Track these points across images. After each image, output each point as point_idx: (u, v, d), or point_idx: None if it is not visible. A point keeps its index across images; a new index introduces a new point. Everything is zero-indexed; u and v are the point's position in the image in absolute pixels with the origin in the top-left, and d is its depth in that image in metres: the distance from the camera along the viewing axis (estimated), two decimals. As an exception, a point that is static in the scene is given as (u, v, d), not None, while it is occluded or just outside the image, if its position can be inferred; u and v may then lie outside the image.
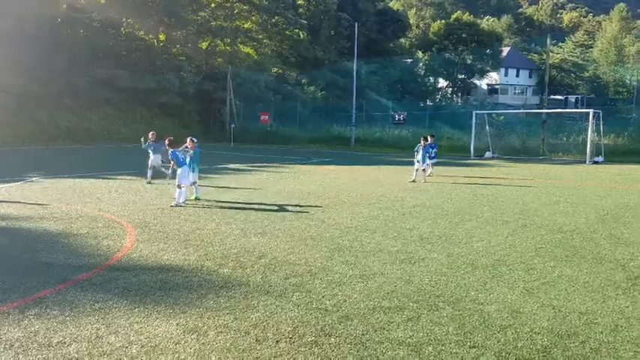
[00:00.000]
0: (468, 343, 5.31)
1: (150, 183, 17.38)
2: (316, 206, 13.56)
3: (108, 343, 5.21)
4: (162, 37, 49.91)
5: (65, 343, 5.20)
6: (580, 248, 9.38)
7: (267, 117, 45.69)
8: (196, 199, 14.12)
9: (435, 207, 13.73)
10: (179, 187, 13.41)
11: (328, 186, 17.85)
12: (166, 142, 14.07)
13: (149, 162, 18.01)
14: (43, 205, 13.18)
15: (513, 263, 8.30)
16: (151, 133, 18.65)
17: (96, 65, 42.51)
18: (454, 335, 5.50)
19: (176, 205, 13.10)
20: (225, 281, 7.23)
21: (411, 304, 6.39)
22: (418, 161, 19.54)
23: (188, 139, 14.28)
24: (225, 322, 5.75)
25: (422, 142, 19.81)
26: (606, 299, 6.68)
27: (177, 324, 5.69)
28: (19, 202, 13.32)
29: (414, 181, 19.20)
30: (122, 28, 47.68)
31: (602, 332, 5.63)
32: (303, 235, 10.06)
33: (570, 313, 6.18)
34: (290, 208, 13.26)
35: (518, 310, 6.23)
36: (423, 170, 19.67)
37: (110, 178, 17.40)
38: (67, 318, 5.82)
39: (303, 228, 10.78)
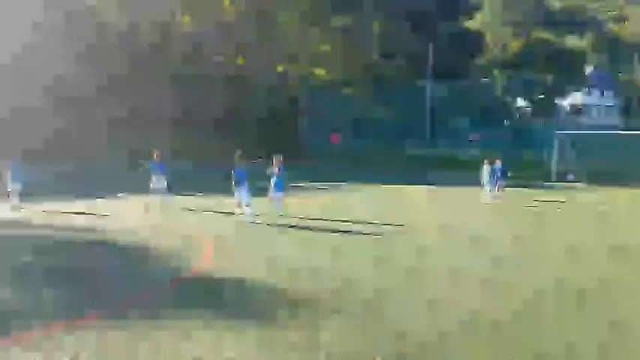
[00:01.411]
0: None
1: (147, 209, 16.06)
2: (389, 226, 13.36)
3: (185, 352, 5.34)
4: (241, 61, 51.56)
5: (139, 350, 5.37)
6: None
7: (337, 137, 46.08)
8: (280, 215, 14.36)
9: (512, 232, 13.16)
10: (247, 205, 13.72)
11: (402, 207, 17.60)
12: (236, 158, 14.35)
13: (151, 185, 16.59)
14: (132, 218, 13.92)
15: (599, 296, 7.73)
16: (156, 152, 17.12)
17: (174, 88, 44.16)
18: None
19: (252, 223, 13.35)
20: (296, 299, 7.22)
21: (487, 334, 6.08)
22: (485, 184, 19.47)
23: (275, 158, 14.70)
24: (295, 340, 5.71)
25: (487, 164, 19.51)
26: None
27: (248, 338, 5.73)
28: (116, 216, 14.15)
29: (487, 203, 18.82)
30: (208, 54, 49.59)
31: None
32: (375, 256, 9.90)
33: None
34: (363, 228, 13.14)
35: (607, 345, 5.77)
36: (490, 191, 19.40)
37: (189, 195, 17.90)
38: (143, 326, 6.02)
39: (376, 248, 10.64)
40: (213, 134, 46.66)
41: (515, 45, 69.98)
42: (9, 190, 16.45)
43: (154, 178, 16.56)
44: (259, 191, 14.77)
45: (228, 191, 14.73)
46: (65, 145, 33.55)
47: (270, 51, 52.01)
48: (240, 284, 7.89)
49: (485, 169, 19.74)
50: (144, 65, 43.83)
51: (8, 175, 16.41)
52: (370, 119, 52.71)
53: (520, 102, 69.41)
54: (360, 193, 22.48)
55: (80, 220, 13.77)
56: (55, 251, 10.25)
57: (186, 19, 47.51)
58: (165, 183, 16.68)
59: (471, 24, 73.02)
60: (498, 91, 66.89)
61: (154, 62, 45.56)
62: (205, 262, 9.28)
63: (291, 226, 13.09)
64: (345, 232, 12.51)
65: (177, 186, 20.89)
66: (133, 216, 14.63)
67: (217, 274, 8.44)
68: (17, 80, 33.75)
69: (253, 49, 50.40)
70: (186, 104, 44.16)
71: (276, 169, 14.51)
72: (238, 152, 14.28)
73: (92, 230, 12.33)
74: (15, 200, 16.33)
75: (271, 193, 14.62)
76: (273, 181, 14.53)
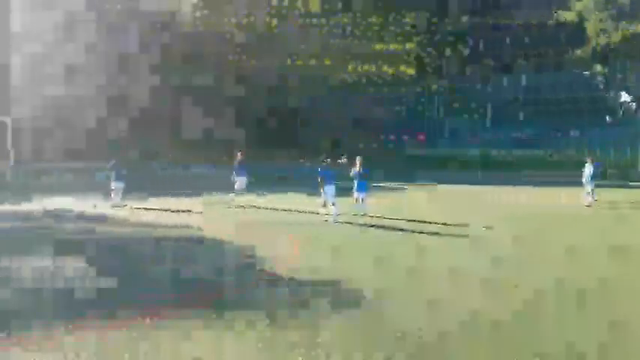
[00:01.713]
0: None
1: (241, 206, 17.09)
2: (474, 227, 13.41)
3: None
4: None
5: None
6: None
7: (422, 136, 47.08)
8: (363, 214, 14.73)
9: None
10: (333, 204, 14.15)
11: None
12: (322, 160, 15.30)
13: (236, 186, 17.70)
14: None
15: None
16: (239, 152, 18.28)
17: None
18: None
19: (334, 222, 13.79)
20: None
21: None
22: (585, 184, 18.77)
23: (357, 159, 15.18)
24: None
25: (589, 163, 18.97)
26: None
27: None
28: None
29: (589, 205, 18.06)
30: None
31: None
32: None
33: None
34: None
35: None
36: (588, 193, 18.65)
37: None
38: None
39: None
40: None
41: (617, 36, 66.62)
42: (112, 188, 18.08)
43: (237, 179, 17.70)
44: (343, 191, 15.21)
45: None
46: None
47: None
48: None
49: (587, 168, 18.91)
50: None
51: (112, 175, 18.16)
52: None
53: (624, 96, 66.90)
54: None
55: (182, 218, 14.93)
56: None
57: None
58: (245, 183, 17.92)
59: (568, 15, 69.68)
60: (599, 86, 64.68)
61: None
62: (294, 258, 9.64)
63: (371, 226, 13.44)
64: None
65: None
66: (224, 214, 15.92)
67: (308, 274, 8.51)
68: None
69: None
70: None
71: (360, 170, 14.92)
72: (324, 156, 15.28)
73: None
74: (117, 198, 17.85)
75: (355, 193, 15.02)
76: (356, 181, 14.97)
